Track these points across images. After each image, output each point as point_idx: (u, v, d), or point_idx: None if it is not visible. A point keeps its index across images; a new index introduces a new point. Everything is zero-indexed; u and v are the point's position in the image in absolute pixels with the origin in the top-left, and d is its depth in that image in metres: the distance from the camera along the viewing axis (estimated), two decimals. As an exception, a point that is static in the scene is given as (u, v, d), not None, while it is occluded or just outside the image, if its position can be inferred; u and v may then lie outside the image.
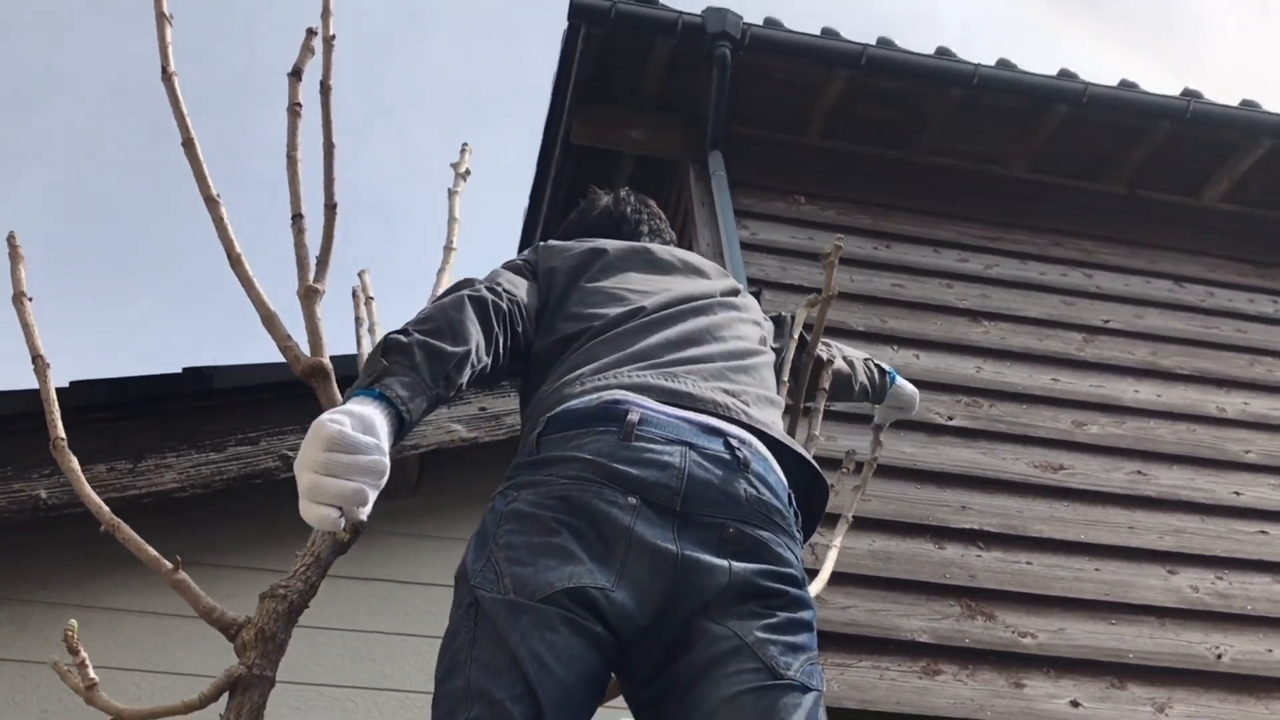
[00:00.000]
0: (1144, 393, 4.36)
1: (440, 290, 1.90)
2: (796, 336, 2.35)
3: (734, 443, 1.41)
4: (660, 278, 1.75)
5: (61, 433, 1.61)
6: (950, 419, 4.07)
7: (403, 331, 1.44)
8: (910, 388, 2.39)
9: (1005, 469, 3.95)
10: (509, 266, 1.73)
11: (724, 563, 1.32)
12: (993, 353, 4.34)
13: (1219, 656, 3.58)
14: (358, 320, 2.14)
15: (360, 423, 1.29)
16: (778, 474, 1.45)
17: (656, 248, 1.83)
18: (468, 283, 1.59)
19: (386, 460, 1.29)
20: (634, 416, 1.38)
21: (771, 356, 1.73)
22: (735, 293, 1.81)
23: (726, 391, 1.51)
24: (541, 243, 1.82)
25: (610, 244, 1.79)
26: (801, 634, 1.33)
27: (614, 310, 1.62)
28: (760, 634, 1.29)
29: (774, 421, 1.56)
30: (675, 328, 1.61)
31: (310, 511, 1.25)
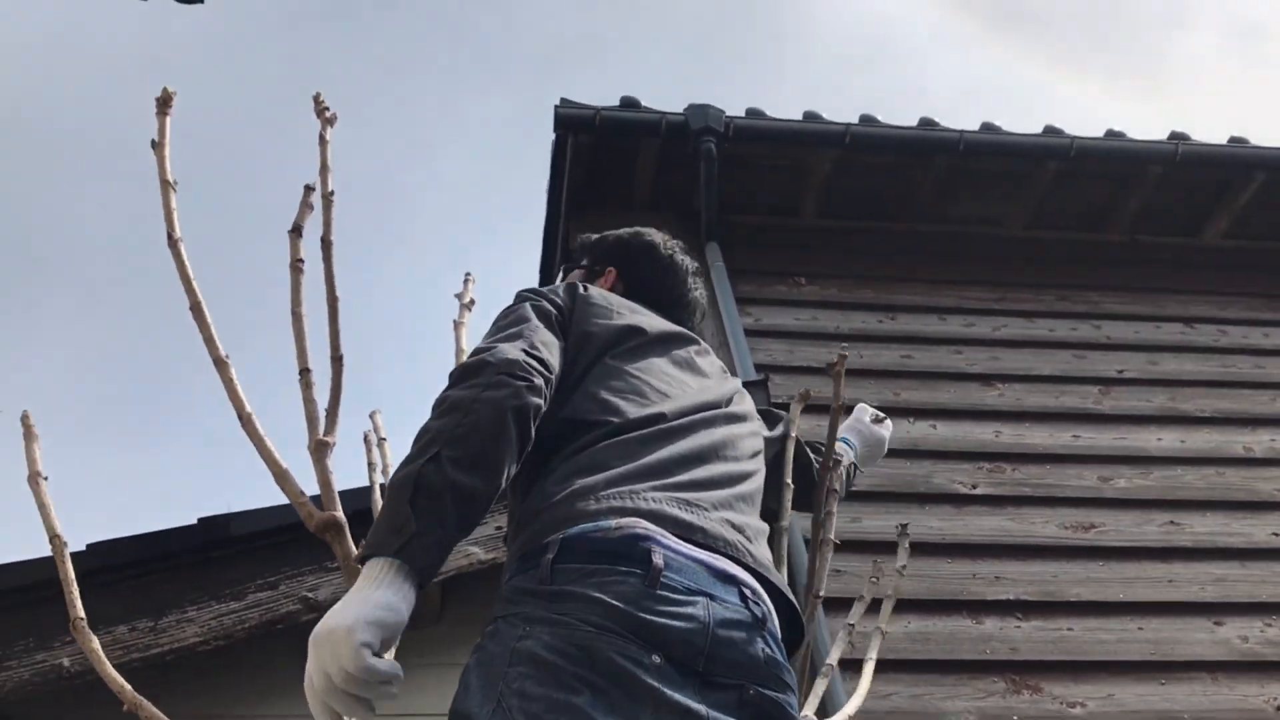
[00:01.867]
0: (1167, 440, 4.30)
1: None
2: (794, 435, 2.34)
3: (749, 595, 1.38)
4: (680, 375, 1.71)
5: (81, 612, 1.62)
6: (975, 487, 4.02)
7: (434, 460, 1.32)
8: (875, 430, 2.36)
9: (1036, 533, 3.89)
10: (542, 315, 1.62)
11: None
12: (1010, 415, 4.30)
13: (1279, 708, 3.47)
14: (370, 465, 2.15)
15: (386, 630, 1.24)
16: (777, 623, 1.43)
17: (687, 338, 1.81)
18: (508, 368, 1.44)
19: (399, 679, 1.24)
20: (658, 560, 1.31)
21: (763, 472, 1.70)
22: (736, 397, 1.78)
23: (733, 526, 1.47)
24: (581, 290, 1.74)
25: (647, 323, 1.74)
26: None
27: (633, 410, 1.54)
28: None
29: (769, 559, 1.54)
30: (688, 441, 1.55)
31: (311, 702, 1.24)
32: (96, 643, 1.61)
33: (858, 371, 4.30)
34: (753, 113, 4.75)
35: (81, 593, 1.60)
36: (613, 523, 1.34)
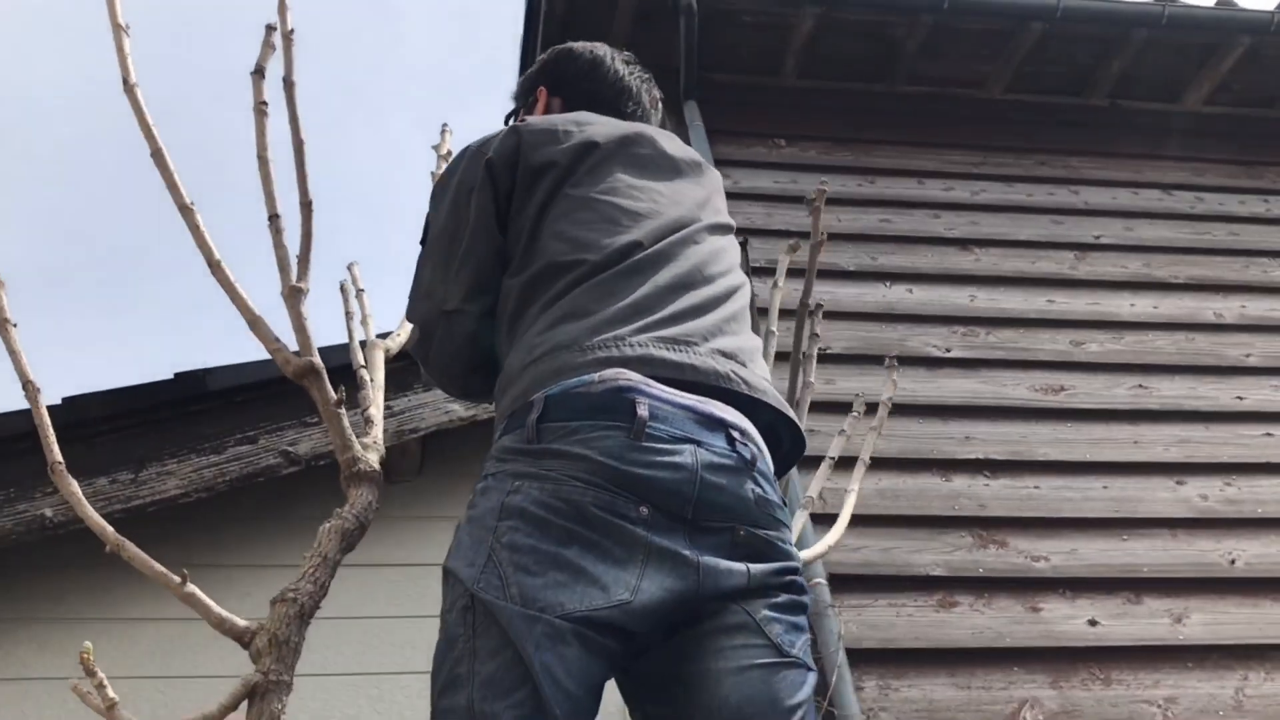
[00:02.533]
0: (1140, 306, 4.34)
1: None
2: (782, 283, 2.34)
3: (736, 438, 1.35)
4: (648, 183, 1.60)
5: (59, 457, 1.61)
6: (948, 350, 4.06)
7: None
8: None
9: (1006, 395, 3.95)
10: (458, 206, 1.59)
11: (742, 567, 1.30)
12: (986, 280, 4.32)
13: (1232, 562, 3.59)
14: (348, 314, 2.13)
15: None
16: (769, 460, 1.43)
17: (646, 137, 1.67)
18: (435, 352, 1.62)
19: None
20: (643, 411, 1.29)
21: (748, 283, 1.64)
22: (713, 198, 1.69)
23: (724, 354, 1.43)
24: (522, 123, 1.65)
25: (600, 132, 1.62)
26: (801, 615, 1.33)
27: (606, 240, 1.48)
28: (767, 612, 1.29)
29: (766, 376, 1.51)
30: (670, 269, 1.49)
31: None
32: (75, 485, 1.60)
33: (837, 235, 4.27)
34: (734, -34, 4.61)
35: (60, 447, 1.60)
36: (595, 376, 1.33)
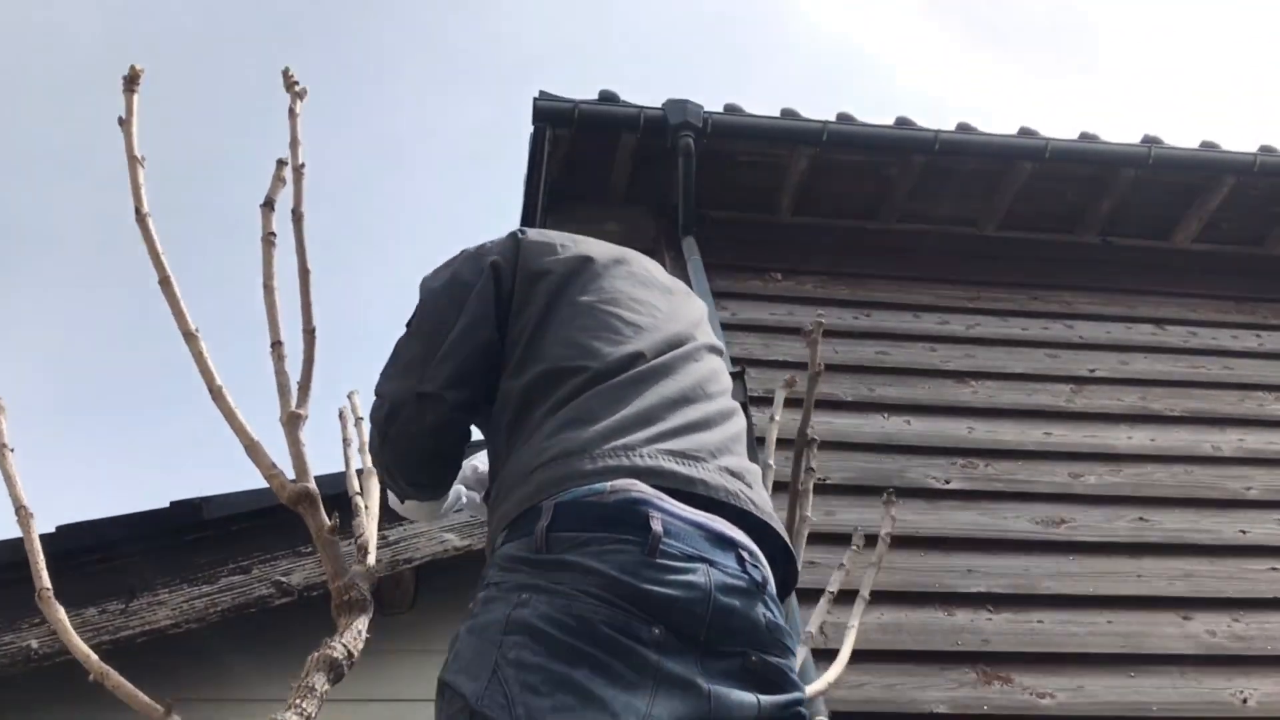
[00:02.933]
0: (1138, 438, 4.35)
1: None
2: (779, 416, 2.35)
3: (746, 559, 1.33)
4: (646, 296, 1.61)
5: (47, 583, 1.59)
6: (948, 482, 4.05)
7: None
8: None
9: (1008, 528, 3.92)
10: (455, 297, 1.58)
11: (753, 698, 1.25)
12: (983, 412, 4.33)
13: (1244, 701, 3.51)
14: (345, 441, 2.13)
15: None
16: (775, 586, 1.40)
17: (636, 258, 1.71)
18: (394, 431, 1.58)
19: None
20: (657, 527, 1.26)
21: (742, 410, 1.62)
22: (703, 323, 1.70)
23: (732, 473, 1.41)
24: (520, 233, 1.65)
25: (595, 249, 1.65)
26: None
27: (609, 350, 1.48)
28: None
29: (769, 502, 1.47)
30: (673, 381, 1.48)
31: None
32: (62, 613, 1.59)
33: (834, 367, 4.31)
34: (731, 109, 4.76)
35: (50, 576, 1.58)
36: (608, 485, 1.30)
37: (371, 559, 1.77)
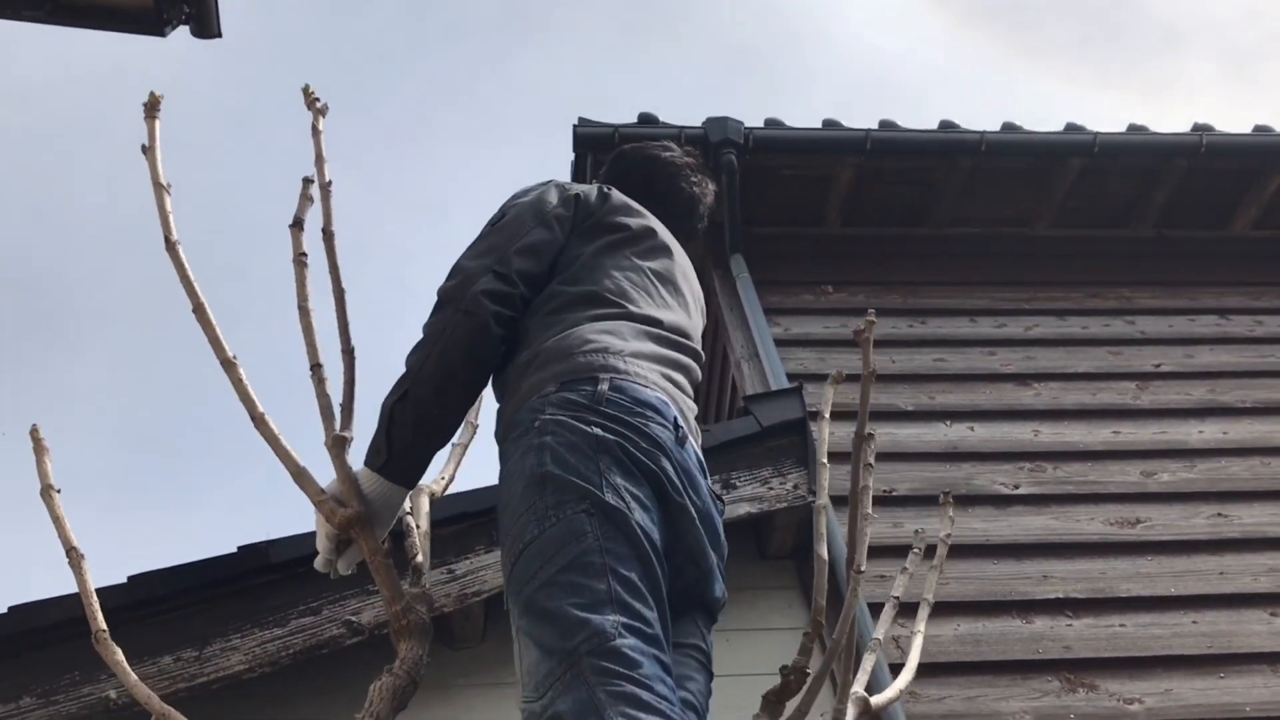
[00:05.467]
0: (1209, 432, 4.24)
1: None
2: (828, 413, 2.31)
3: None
4: (667, 294, 1.94)
5: (103, 624, 1.59)
6: (1017, 487, 3.97)
7: (402, 399, 1.71)
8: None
9: (1081, 530, 3.84)
10: (540, 216, 1.89)
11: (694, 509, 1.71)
12: (1048, 414, 4.25)
13: (1341, 697, 3.39)
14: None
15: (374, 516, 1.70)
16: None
17: (679, 252, 2.03)
18: (473, 303, 1.75)
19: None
20: (682, 422, 1.74)
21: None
22: (697, 337, 2.02)
23: (692, 434, 1.82)
24: (607, 190, 1.99)
25: (660, 231, 2.00)
26: None
27: (639, 306, 1.85)
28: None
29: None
30: (673, 353, 1.86)
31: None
32: (120, 654, 1.58)
33: (892, 377, 4.27)
34: (771, 123, 4.74)
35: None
36: (648, 387, 1.72)
37: (425, 579, 1.76)
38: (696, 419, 1.90)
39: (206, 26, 3.68)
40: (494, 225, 1.92)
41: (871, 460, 2.16)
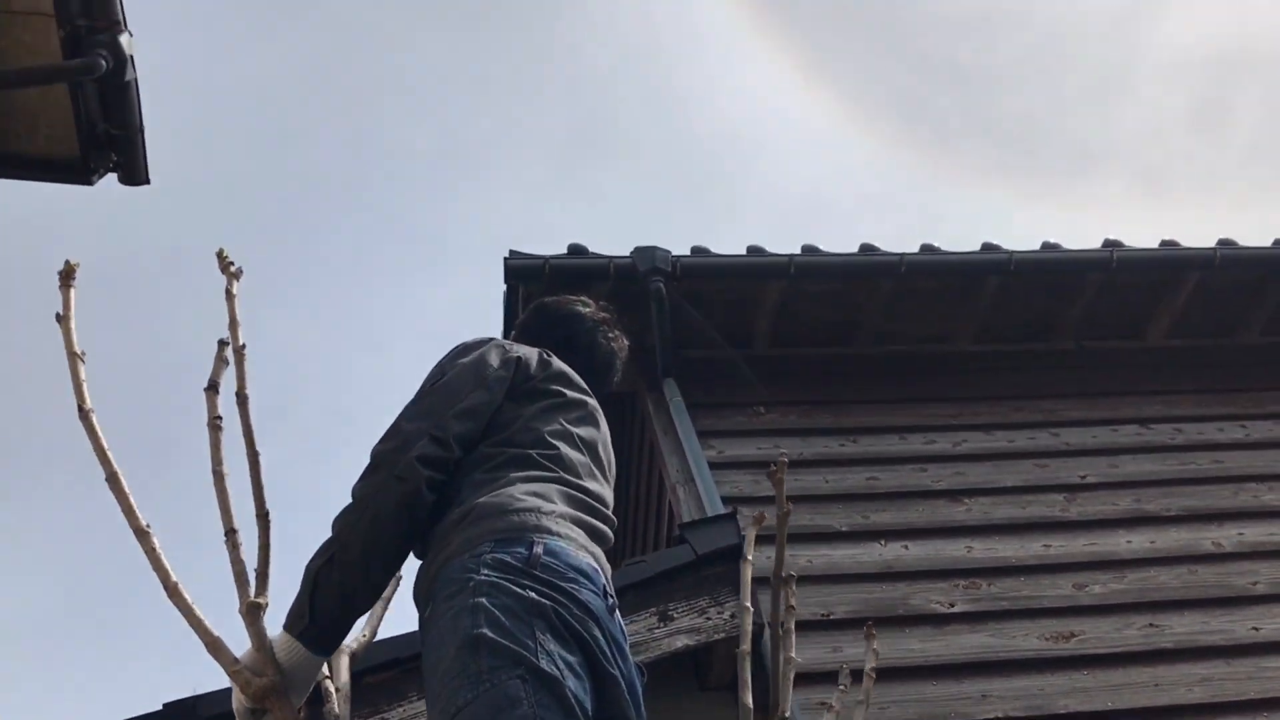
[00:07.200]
0: (1137, 542, 4.32)
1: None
2: (749, 558, 2.33)
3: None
4: (591, 463, 2.00)
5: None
6: (953, 605, 3.99)
7: (329, 564, 1.72)
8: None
9: (1018, 647, 3.86)
10: (479, 378, 1.94)
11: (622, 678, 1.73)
12: (980, 529, 4.31)
13: (1280, 807, 3.41)
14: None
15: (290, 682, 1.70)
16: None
17: (604, 433, 2.10)
18: (407, 469, 1.77)
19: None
20: (610, 589, 1.81)
21: None
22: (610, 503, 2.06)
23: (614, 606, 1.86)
24: (545, 353, 2.07)
25: (590, 399, 2.08)
26: None
27: (571, 474, 1.91)
28: None
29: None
30: (596, 522, 1.90)
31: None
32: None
33: (825, 496, 4.31)
34: (698, 250, 4.85)
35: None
36: (578, 551, 1.76)
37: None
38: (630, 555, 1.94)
39: (134, 174, 3.71)
40: (433, 385, 1.95)
41: (794, 602, 2.18)
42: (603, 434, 2.09)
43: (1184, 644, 3.91)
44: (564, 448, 1.93)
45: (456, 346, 2.06)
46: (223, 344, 1.86)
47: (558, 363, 2.08)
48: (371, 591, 1.77)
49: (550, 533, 1.74)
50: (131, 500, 1.71)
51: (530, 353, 2.05)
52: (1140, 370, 5.12)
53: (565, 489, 1.87)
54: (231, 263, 1.94)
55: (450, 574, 1.69)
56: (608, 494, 2.02)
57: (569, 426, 1.98)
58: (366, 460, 1.84)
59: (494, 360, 1.98)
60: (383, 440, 1.85)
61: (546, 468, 1.88)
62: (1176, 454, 4.75)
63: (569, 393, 2.03)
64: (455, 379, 1.94)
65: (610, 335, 2.29)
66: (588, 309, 2.31)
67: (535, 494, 1.81)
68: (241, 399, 1.82)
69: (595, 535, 1.88)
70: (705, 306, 4.83)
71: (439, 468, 1.80)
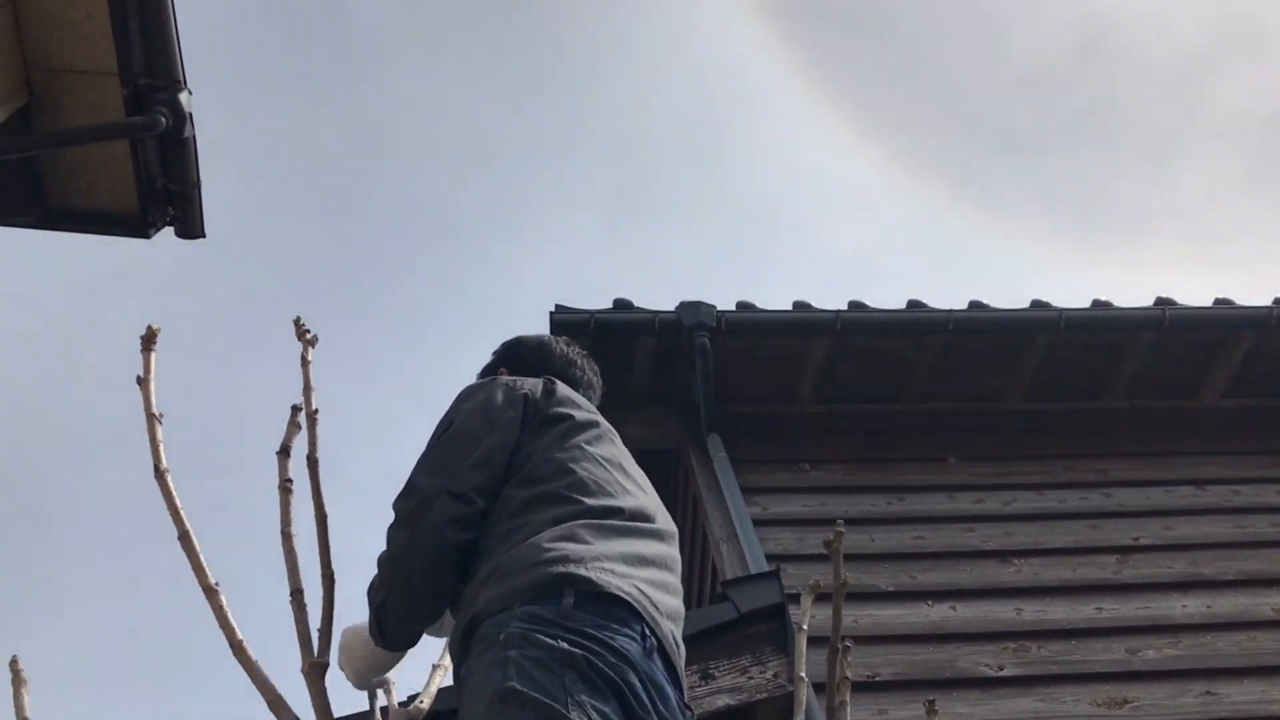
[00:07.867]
0: (1193, 606, 4.21)
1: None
2: (805, 628, 2.29)
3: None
4: (618, 477, 1.95)
5: None
6: (1001, 669, 3.91)
7: (381, 609, 1.80)
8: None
9: (1069, 713, 3.76)
10: (489, 421, 1.92)
11: None
12: (1029, 591, 4.22)
13: None
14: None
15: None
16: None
17: (623, 448, 2.07)
18: (434, 522, 1.78)
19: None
20: (649, 634, 1.72)
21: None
22: (661, 514, 2.00)
23: (675, 641, 1.81)
24: (550, 381, 2.05)
25: (600, 419, 2.04)
26: None
27: (600, 498, 1.86)
28: None
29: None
30: (640, 543, 1.85)
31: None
32: None
33: (871, 556, 4.25)
34: (743, 305, 4.85)
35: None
36: (615, 591, 1.70)
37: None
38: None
39: (190, 228, 3.80)
40: (442, 436, 1.94)
41: (849, 673, 2.15)
42: (621, 449, 2.05)
43: (1243, 713, 3.79)
44: (585, 471, 1.89)
45: (462, 391, 2.05)
46: (296, 409, 1.91)
47: (562, 387, 2.06)
48: (429, 608, 1.86)
49: (579, 579, 1.71)
50: (201, 558, 1.76)
51: (535, 383, 2.04)
52: (1195, 430, 5.03)
53: (593, 520, 1.82)
54: (308, 330, 1.99)
55: (483, 630, 1.70)
56: (647, 502, 1.96)
57: (587, 448, 1.95)
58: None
59: (499, 400, 1.97)
60: (402, 495, 1.84)
61: (571, 500, 1.84)
62: (1233, 516, 4.64)
63: (578, 414, 2.00)
64: (464, 426, 1.93)
65: (586, 368, 2.31)
66: (558, 345, 2.33)
67: (562, 537, 1.77)
68: (312, 462, 1.86)
69: (639, 558, 1.82)
70: (751, 362, 4.82)
71: (465, 527, 1.80)
